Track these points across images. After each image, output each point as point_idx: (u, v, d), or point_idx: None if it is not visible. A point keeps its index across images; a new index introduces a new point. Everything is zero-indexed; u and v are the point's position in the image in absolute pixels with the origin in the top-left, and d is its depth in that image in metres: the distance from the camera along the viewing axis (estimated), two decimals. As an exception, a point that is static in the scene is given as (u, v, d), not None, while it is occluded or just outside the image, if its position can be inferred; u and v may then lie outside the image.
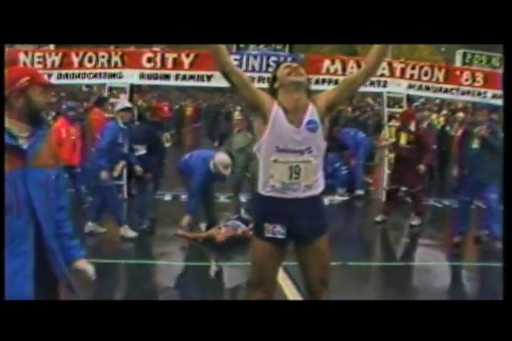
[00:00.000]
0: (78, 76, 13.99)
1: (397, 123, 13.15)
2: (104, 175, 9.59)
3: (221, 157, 10.11)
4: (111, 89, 14.62)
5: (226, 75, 4.61)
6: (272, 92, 4.81)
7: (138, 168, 10.23)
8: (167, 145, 12.24)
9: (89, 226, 10.09)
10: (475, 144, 10.16)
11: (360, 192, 14.76)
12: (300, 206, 4.73)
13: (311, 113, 4.68)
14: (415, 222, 11.89)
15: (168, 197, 13.55)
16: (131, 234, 10.00)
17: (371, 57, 4.85)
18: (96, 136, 12.19)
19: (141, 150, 10.55)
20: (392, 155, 14.77)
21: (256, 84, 13.98)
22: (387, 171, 14.27)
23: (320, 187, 4.84)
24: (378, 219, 12.06)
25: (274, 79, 4.84)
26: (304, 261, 4.89)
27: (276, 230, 4.74)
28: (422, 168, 11.53)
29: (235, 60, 13.72)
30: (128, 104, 10.55)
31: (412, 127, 11.79)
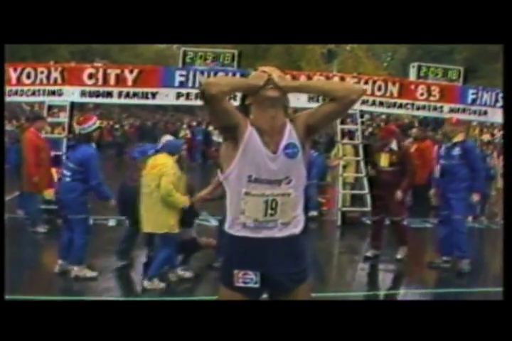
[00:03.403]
0: (16, 93, 13.30)
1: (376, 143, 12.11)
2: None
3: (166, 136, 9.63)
4: (50, 107, 13.89)
5: (211, 97, 3.66)
6: (243, 108, 4.02)
7: None
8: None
9: (75, 270, 8.62)
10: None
11: (313, 213, 14.00)
12: (276, 247, 3.95)
13: (290, 135, 3.93)
14: (401, 254, 10.33)
15: (112, 223, 12.42)
16: (89, 273, 8.68)
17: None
18: (28, 157, 11.48)
19: None
20: (349, 175, 14.42)
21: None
22: (341, 191, 13.91)
23: (300, 224, 4.05)
24: (369, 254, 10.58)
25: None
26: None
27: (248, 278, 3.94)
28: (399, 194, 10.07)
29: (181, 75, 13.41)
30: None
31: (394, 146, 10.36)
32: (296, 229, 4.02)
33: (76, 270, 8.58)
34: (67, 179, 8.60)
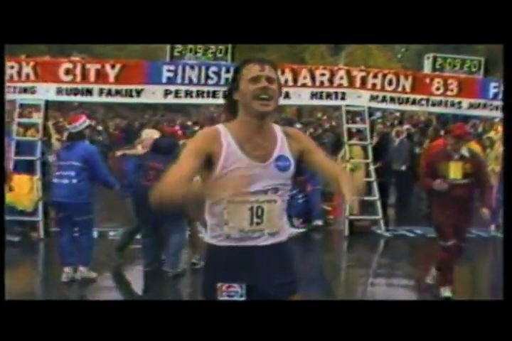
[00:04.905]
0: (-19, 91, 12.06)
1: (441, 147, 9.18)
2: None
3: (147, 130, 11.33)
4: (22, 106, 12.84)
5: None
6: (231, 103, 3.83)
7: None
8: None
9: (81, 271, 8.85)
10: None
11: (318, 222, 13.10)
12: (262, 255, 3.80)
13: (281, 146, 3.81)
14: (431, 280, 8.71)
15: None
16: (92, 275, 8.97)
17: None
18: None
19: None
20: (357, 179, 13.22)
21: (194, 100, 12.61)
22: (349, 198, 12.60)
23: (286, 232, 3.94)
24: (447, 293, 8.25)
25: (235, 86, 3.77)
26: None
27: (233, 291, 3.79)
28: (485, 211, 8.14)
29: (169, 70, 12.51)
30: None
31: (466, 152, 8.15)
32: (283, 237, 3.92)
33: (82, 271, 8.79)
34: (74, 180, 8.64)
